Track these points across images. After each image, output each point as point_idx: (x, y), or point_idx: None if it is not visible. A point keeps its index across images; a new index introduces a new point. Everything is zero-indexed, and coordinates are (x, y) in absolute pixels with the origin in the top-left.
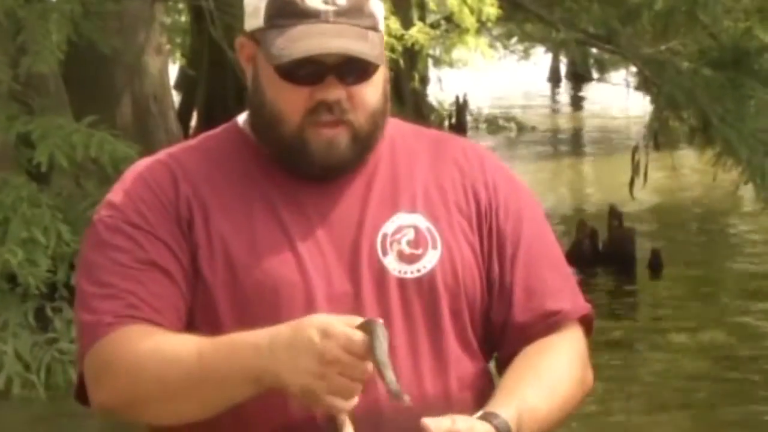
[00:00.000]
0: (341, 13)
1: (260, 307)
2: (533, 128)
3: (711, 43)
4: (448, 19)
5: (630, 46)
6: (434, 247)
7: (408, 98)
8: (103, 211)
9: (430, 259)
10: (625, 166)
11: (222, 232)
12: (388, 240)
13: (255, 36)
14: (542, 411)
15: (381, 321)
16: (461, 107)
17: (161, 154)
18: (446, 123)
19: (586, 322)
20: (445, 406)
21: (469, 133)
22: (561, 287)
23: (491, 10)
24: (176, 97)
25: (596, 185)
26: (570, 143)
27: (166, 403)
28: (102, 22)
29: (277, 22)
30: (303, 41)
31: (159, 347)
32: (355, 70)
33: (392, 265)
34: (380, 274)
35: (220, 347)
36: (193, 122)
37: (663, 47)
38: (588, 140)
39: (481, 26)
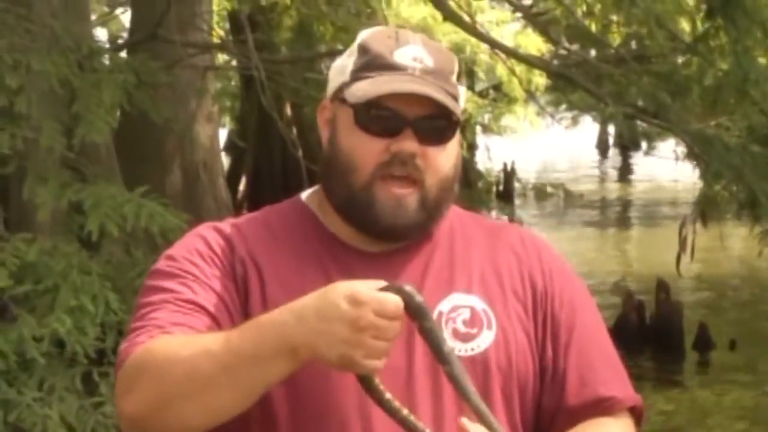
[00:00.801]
0: (428, 72)
1: (310, 378)
2: (581, 196)
3: (761, 120)
4: (497, 87)
5: (678, 121)
6: (489, 327)
7: None
8: (160, 261)
9: (485, 339)
10: (673, 238)
11: (276, 298)
12: (444, 317)
13: (338, 94)
14: None
15: (407, 285)
16: (509, 175)
17: (224, 222)
18: (494, 190)
19: (636, 414)
20: None
21: (517, 200)
22: (613, 376)
23: (539, 80)
24: (225, 161)
25: (644, 257)
26: (617, 212)
27: (198, 398)
28: (154, 91)
29: (365, 74)
30: (389, 84)
31: (185, 343)
32: (433, 128)
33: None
34: None
35: (247, 329)
36: (241, 186)
37: (712, 123)
38: (635, 210)
39: (529, 95)
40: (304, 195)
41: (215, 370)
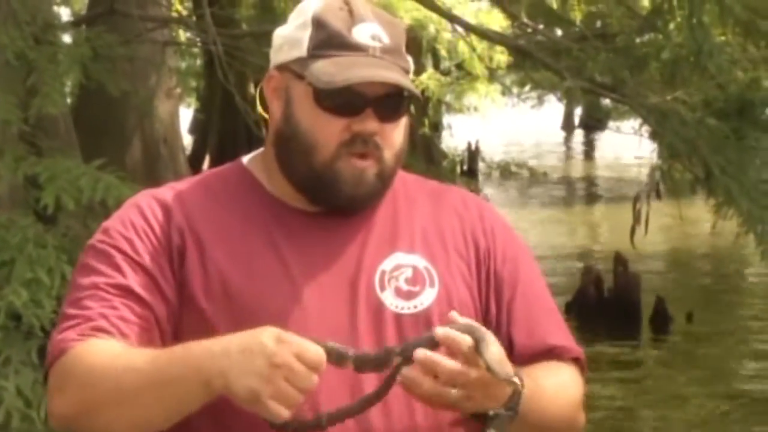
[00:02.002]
0: (386, 51)
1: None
2: (545, 174)
3: (717, 93)
4: (460, 66)
5: (637, 96)
6: (432, 285)
7: (419, 144)
8: (96, 235)
9: (428, 297)
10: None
11: (218, 262)
12: (386, 276)
13: (292, 67)
14: (547, 392)
15: (344, 348)
16: (473, 154)
17: (163, 187)
18: (458, 169)
19: (579, 366)
20: None
21: (481, 178)
22: (557, 328)
23: (501, 57)
24: (191, 141)
25: (605, 233)
26: (581, 190)
27: (122, 409)
28: (111, 65)
29: (324, 52)
30: (355, 69)
31: (118, 355)
32: (391, 106)
33: (389, 300)
34: (377, 308)
35: (176, 351)
36: (206, 165)
37: (669, 97)
38: (599, 188)
39: (492, 73)
40: (246, 159)
41: (141, 385)
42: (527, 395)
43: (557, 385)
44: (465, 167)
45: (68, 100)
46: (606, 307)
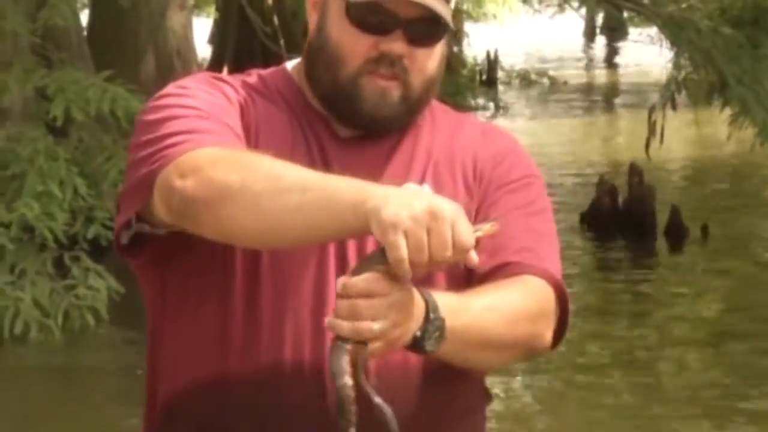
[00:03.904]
0: None
1: (280, 261)
2: (565, 83)
3: (733, 1)
4: None
5: (653, 4)
6: None
7: None
8: (167, 88)
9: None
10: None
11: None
12: None
13: None
14: (473, 308)
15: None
16: (492, 63)
17: (220, 76)
18: (477, 78)
19: (558, 292)
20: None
21: (501, 87)
22: (531, 247)
23: None
24: (209, 51)
25: (625, 142)
26: (602, 99)
27: (269, 203)
28: None
29: None
30: None
31: (266, 157)
32: (424, 31)
33: None
34: None
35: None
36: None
37: (684, 5)
38: (620, 96)
39: None
40: (290, 65)
41: (297, 184)
42: (446, 306)
43: (494, 299)
44: (484, 76)
45: (84, 14)
46: (620, 219)
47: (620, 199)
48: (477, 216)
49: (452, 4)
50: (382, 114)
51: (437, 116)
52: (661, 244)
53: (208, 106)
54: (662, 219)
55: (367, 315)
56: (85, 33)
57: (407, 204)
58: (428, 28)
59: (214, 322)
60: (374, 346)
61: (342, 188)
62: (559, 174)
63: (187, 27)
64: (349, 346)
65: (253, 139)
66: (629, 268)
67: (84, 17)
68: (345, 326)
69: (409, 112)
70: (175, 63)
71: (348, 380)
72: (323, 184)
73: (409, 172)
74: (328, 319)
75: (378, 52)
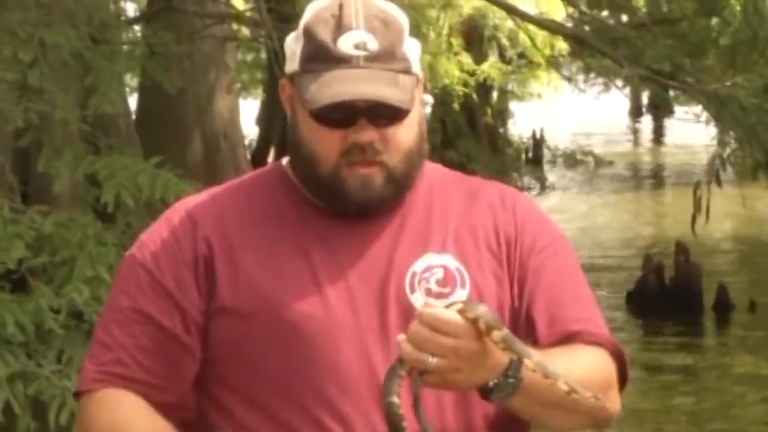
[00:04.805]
0: (372, 58)
1: (284, 340)
2: (611, 162)
3: None
4: (522, 54)
5: (696, 82)
6: (462, 286)
7: (483, 133)
8: (132, 248)
9: (458, 298)
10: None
11: (248, 268)
12: (417, 278)
13: (292, 78)
14: (561, 365)
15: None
16: (538, 142)
17: (200, 194)
18: (523, 157)
19: (617, 357)
20: None
21: (546, 167)
22: (584, 316)
23: (562, 45)
24: (256, 133)
25: (671, 219)
26: (649, 176)
27: None
28: (167, 62)
29: (311, 66)
30: (333, 87)
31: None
32: (386, 113)
33: (419, 302)
34: (407, 310)
35: None
36: (270, 157)
37: (729, 83)
38: (666, 174)
39: (555, 61)
40: (285, 160)
41: None
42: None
43: (574, 362)
44: (530, 155)
45: (132, 99)
46: (667, 297)
47: (667, 277)
48: (513, 286)
49: (415, 60)
50: (370, 199)
51: (447, 183)
52: (709, 320)
53: (136, 298)
54: (709, 296)
55: (428, 348)
56: (133, 117)
57: None
58: (390, 109)
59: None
60: (429, 378)
61: None
62: (605, 253)
63: (234, 110)
64: (403, 372)
65: (225, 253)
66: (676, 347)
67: (133, 102)
68: (407, 350)
69: (399, 189)
70: (222, 145)
71: (395, 399)
72: None
73: (427, 244)
74: (400, 336)
75: (348, 143)
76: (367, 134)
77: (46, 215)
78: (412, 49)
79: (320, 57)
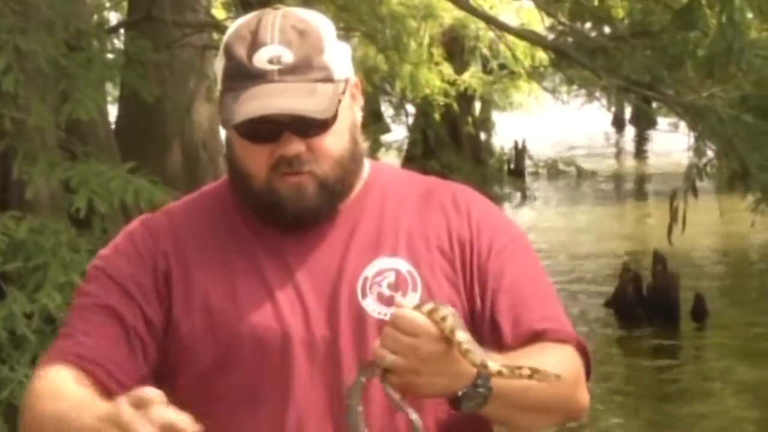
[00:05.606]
0: (287, 71)
1: (239, 354)
2: (593, 173)
3: (754, 90)
4: (504, 65)
5: (675, 94)
6: (414, 289)
7: (465, 143)
8: (95, 260)
9: (411, 301)
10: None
11: (202, 284)
12: (368, 283)
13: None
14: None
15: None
16: (520, 152)
17: (158, 211)
18: (505, 168)
19: (582, 353)
20: None
21: (528, 178)
22: (548, 315)
23: (543, 56)
24: None
25: (651, 229)
26: (629, 188)
27: None
28: (145, 71)
29: (230, 85)
30: (248, 104)
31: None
32: (309, 124)
33: (371, 306)
34: (359, 316)
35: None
36: None
37: (705, 94)
38: (648, 184)
39: (536, 72)
40: None
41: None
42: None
43: (545, 362)
44: (512, 166)
45: (113, 107)
46: (645, 306)
47: (644, 287)
48: (468, 288)
49: (340, 63)
50: (305, 207)
51: (401, 185)
52: (686, 328)
53: (98, 295)
54: (686, 305)
55: (388, 344)
56: (113, 126)
57: None
58: (313, 120)
59: None
60: (391, 378)
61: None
62: (584, 262)
63: (213, 119)
64: (370, 374)
65: (182, 270)
66: (653, 354)
67: (115, 110)
68: (374, 345)
69: (333, 196)
70: (201, 155)
71: (354, 401)
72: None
73: (378, 250)
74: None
75: (276, 157)
76: (293, 147)
77: (19, 221)
78: (336, 55)
79: (238, 75)
